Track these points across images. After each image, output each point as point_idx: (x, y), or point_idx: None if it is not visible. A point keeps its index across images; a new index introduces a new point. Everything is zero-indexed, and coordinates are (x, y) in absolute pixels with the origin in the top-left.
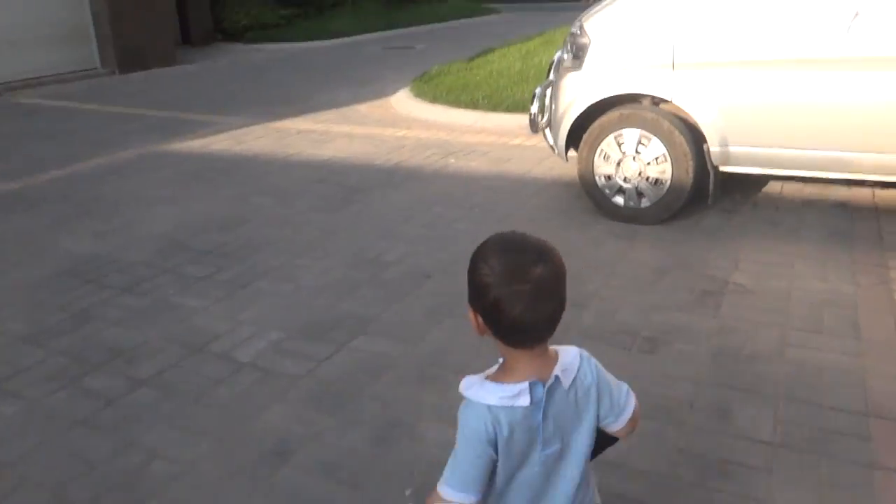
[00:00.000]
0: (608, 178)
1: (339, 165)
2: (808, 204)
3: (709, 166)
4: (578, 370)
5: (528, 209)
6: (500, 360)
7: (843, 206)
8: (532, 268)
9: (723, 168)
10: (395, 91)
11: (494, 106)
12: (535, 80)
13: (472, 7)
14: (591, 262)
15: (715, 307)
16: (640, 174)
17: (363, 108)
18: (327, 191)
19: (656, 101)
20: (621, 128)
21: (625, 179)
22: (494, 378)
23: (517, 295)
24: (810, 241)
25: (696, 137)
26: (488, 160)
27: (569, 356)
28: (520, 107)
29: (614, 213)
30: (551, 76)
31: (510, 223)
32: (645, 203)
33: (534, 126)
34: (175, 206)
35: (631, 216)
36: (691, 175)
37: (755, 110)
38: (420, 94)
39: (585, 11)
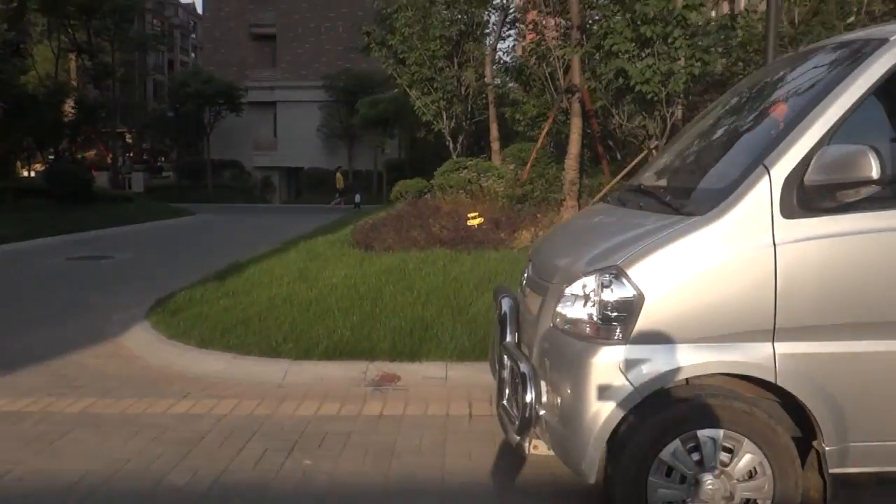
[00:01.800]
0: None
1: (114, 497)
2: None
3: (822, 472)
4: None
5: None
6: None
7: None
8: None
9: (835, 471)
10: (124, 327)
11: (306, 351)
12: (345, 314)
13: (161, 208)
14: None
15: None
16: (724, 497)
17: (89, 361)
18: None
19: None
20: (694, 427)
21: None
22: None
23: None
24: None
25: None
26: (365, 453)
27: None
28: (345, 351)
29: None
30: (508, 336)
31: None
32: None
33: (525, 427)
34: None
35: None
36: (800, 489)
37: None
38: (175, 333)
39: (601, 246)
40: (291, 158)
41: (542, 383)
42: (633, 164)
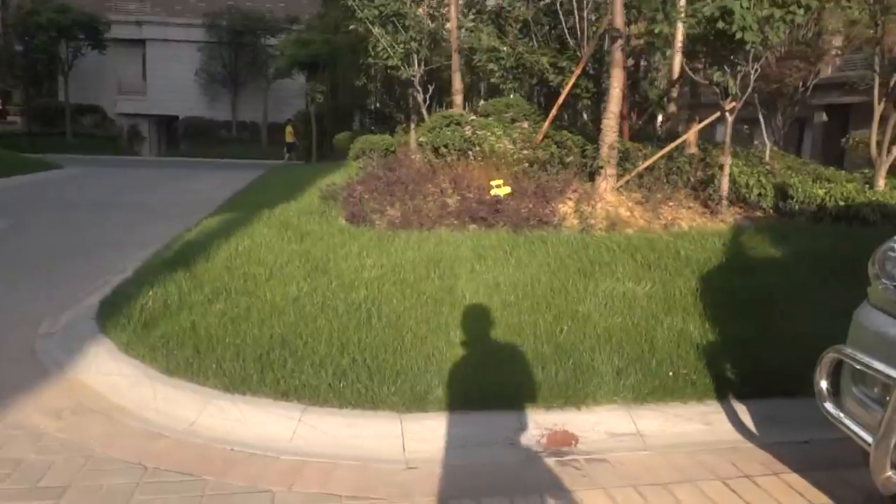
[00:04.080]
0: None
1: None
2: None
3: None
4: None
5: None
6: None
7: None
8: None
9: None
10: (70, 349)
11: (416, 399)
12: (433, 332)
13: (20, 159)
14: None
15: None
16: None
17: (42, 423)
18: None
19: None
20: None
21: None
22: None
23: None
24: None
25: None
26: None
27: None
28: (471, 396)
29: None
30: None
31: None
32: None
33: None
34: None
35: None
36: None
37: None
38: (174, 366)
39: None
40: (164, 105)
41: None
42: (705, 123)
